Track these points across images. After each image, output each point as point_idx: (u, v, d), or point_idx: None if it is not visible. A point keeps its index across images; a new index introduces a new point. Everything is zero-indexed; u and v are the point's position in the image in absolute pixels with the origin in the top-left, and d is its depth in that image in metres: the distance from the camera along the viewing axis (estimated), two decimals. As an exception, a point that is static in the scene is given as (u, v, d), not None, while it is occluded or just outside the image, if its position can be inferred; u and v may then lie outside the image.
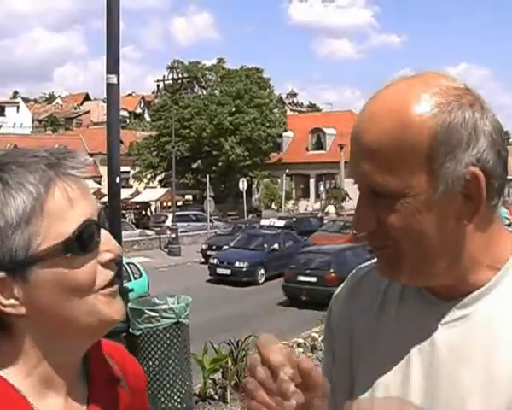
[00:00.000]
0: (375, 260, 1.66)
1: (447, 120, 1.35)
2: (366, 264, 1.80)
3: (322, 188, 62.40)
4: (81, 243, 1.30)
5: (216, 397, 10.23)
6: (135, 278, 22.00)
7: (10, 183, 1.27)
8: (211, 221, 45.94)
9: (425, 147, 1.35)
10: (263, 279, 29.77)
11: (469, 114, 1.37)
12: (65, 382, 1.39)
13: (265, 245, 31.95)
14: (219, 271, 29.57)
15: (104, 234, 1.36)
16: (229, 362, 10.09)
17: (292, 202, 68.73)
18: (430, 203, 1.37)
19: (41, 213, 1.27)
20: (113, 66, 6.43)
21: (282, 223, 40.95)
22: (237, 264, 29.36)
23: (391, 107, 1.37)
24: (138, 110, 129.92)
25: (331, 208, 56.72)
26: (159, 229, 46.55)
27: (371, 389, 1.56)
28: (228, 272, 29.34)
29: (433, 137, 1.34)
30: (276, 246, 31.93)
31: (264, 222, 42.52)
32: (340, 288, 1.80)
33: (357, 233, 1.44)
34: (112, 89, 6.46)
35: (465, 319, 1.46)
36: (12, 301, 1.28)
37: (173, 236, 40.92)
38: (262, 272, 29.85)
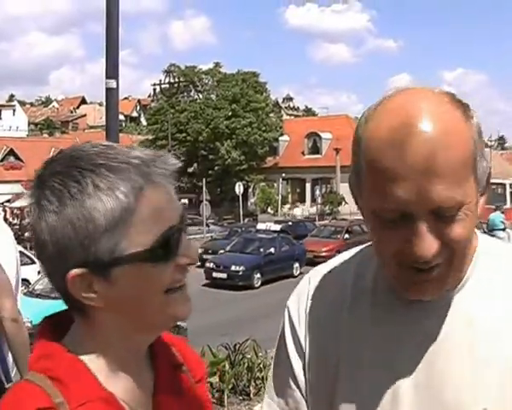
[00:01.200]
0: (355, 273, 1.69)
1: (474, 124, 1.40)
2: (317, 268, 1.82)
3: (318, 192, 62.34)
4: (163, 251, 1.33)
5: (213, 401, 10.20)
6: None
7: (101, 187, 1.28)
8: (207, 225, 45.84)
9: (472, 153, 1.38)
10: (259, 283, 29.55)
11: (475, 114, 1.43)
12: (133, 366, 1.44)
13: (261, 249, 31.78)
14: (215, 275, 29.32)
15: (185, 238, 1.39)
16: (227, 366, 10.06)
17: (288, 206, 68.66)
18: (476, 204, 1.42)
19: (128, 220, 1.30)
20: (112, 70, 6.43)
21: (277, 227, 40.89)
22: (233, 268, 29.00)
23: (434, 124, 1.34)
24: (134, 114, 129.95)
25: (297, 210, 56.45)
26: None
27: (355, 393, 1.56)
28: (224, 276, 28.95)
29: (474, 143, 1.38)
30: (272, 250, 31.72)
31: (260, 226, 42.44)
32: (296, 292, 1.79)
33: (426, 263, 1.39)
34: (111, 93, 6.45)
35: (450, 312, 1.50)
36: (91, 294, 1.33)
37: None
38: (258, 276, 29.66)
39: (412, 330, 1.51)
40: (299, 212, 66.24)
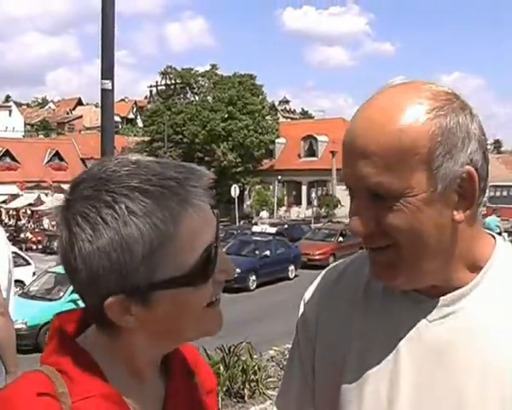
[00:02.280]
0: (347, 262, 1.76)
1: (443, 122, 1.40)
2: (336, 264, 1.84)
3: (313, 195, 62.35)
4: (200, 274, 1.32)
5: (207, 403, 10.20)
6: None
7: (137, 213, 1.25)
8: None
9: (425, 148, 1.39)
10: (254, 286, 29.63)
11: (462, 117, 1.43)
12: (147, 373, 1.45)
13: (257, 252, 31.90)
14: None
15: (221, 254, 1.37)
16: (222, 368, 10.06)
17: (284, 208, 68.69)
18: (430, 202, 1.41)
19: (166, 247, 1.27)
20: (107, 71, 6.41)
21: (273, 230, 40.89)
22: None
23: (388, 111, 1.41)
24: (131, 115, 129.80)
25: (264, 213, 56.35)
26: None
27: (359, 387, 1.56)
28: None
29: (431, 139, 1.39)
30: (267, 253, 31.84)
31: (255, 229, 42.45)
32: (311, 290, 1.80)
33: (366, 241, 1.48)
34: (106, 95, 6.43)
35: (452, 316, 1.50)
36: (128, 317, 1.31)
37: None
38: (253, 278, 29.73)
39: (414, 330, 1.52)
40: (295, 214, 66.28)
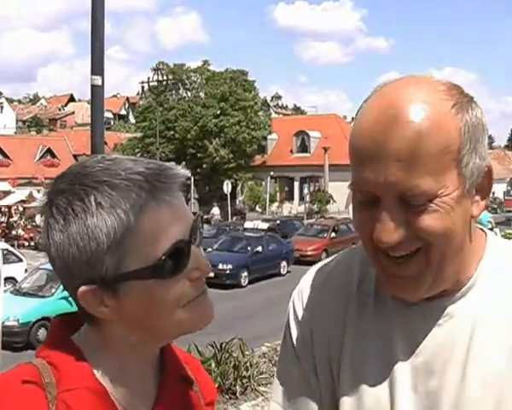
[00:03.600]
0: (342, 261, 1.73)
1: (466, 117, 1.39)
2: (327, 260, 1.81)
3: (306, 191, 62.38)
4: (169, 266, 1.34)
5: (199, 399, 10.19)
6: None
7: (103, 205, 1.30)
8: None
9: (455, 145, 1.36)
10: (246, 282, 29.65)
11: (477, 111, 1.43)
12: (137, 372, 1.47)
13: (249, 248, 31.87)
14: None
15: (194, 251, 1.38)
16: (213, 364, 10.07)
17: (276, 204, 68.74)
18: (460, 199, 1.38)
19: (130, 238, 1.31)
20: (97, 67, 6.41)
21: (265, 225, 40.89)
22: (220, 266, 28.86)
23: (413, 108, 1.35)
24: (123, 112, 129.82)
25: (215, 209, 56.28)
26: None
27: (357, 391, 1.55)
28: (211, 274, 28.46)
29: (460, 136, 1.37)
30: (259, 249, 31.81)
31: (247, 225, 42.44)
32: (301, 286, 1.77)
33: (393, 250, 1.40)
34: (96, 90, 6.43)
35: (448, 317, 1.49)
36: (103, 308, 1.36)
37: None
38: (245, 274, 29.76)
39: (410, 333, 1.51)
40: (288, 210, 66.34)
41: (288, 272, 32.05)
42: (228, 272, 29.16)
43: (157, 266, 1.32)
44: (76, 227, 1.31)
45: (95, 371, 1.40)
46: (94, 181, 1.32)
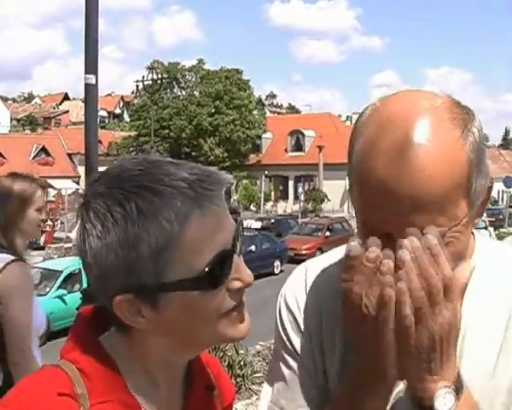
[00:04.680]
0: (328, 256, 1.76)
1: (472, 140, 1.37)
2: (315, 259, 1.84)
3: (300, 189, 62.37)
4: (212, 278, 1.29)
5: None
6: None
7: (145, 212, 1.25)
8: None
9: (466, 177, 1.36)
10: (239, 281, 29.38)
11: (478, 125, 1.41)
12: (166, 382, 1.44)
13: (242, 247, 31.50)
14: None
15: (236, 261, 1.35)
16: (207, 363, 10.07)
17: (270, 203, 68.73)
18: (469, 222, 1.40)
19: (173, 248, 1.26)
20: (91, 66, 6.40)
21: (258, 224, 40.81)
22: None
23: (426, 150, 1.32)
24: (117, 110, 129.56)
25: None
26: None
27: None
28: None
29: (469, 165, 1.36)
30: (252, 248, 31.43)
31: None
32: (290, 282, 1.78)
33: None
34: (90, 89, 6.42)
35: None
36: (139, 319, 1.32)
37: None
38: (238, 273, 29.47)
39: None
40: (282, 209, 66.34)
41: (281, 271, 31.92)
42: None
43: (200, 277, 1.28)
44: (115, 235, 1.26)
45: (125, 379, 1.36)
46: (134, 186, 1.27)
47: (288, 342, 1.71)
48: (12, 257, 3.90)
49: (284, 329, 1.73)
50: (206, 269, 1.28)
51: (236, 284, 1.35)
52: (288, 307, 1.74)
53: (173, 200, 1.26)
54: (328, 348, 1.63)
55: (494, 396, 1.44)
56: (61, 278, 19.68)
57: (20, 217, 4.07)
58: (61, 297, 18.99)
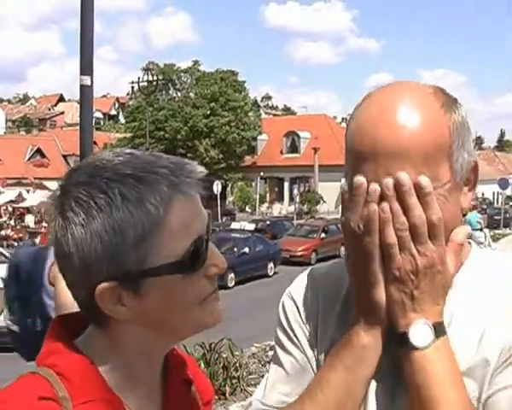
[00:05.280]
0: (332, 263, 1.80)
1: (454, 116, 1.50)
2: (321, 265, 1.88)
3: (296, 191, 62.42)
4: (192, 262, 1.32)
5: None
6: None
7: (130, 198, 1.27)
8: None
9: (447, 142, 1.47)
10: (233, 283, 29.26)
11: (463, 111, 1.54)
12: (146, 376, 1.44)
13: (235, 249, 31.63)
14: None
15: (211, 248, 1.38)
16: (202, 365, 10.07)
17: (266, 204, 68.80)
18: (452, 191, 1.49)
19: (158, 232, 1.28)
20: (86, 67, 6.38)
21: (252, 226, 40.81)
22: None
23: (410, 113, 1.46)
24: (113, 112, 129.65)
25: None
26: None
27: None
28: None
29: (450, 133, 1.48)
30: (246, 250, 31.60)
31: (234, 226, 42.33)
32: (294, 286, 1.81)
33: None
34: (85, 90, 6.40)
35: None
36: (119, 307, 1.32)
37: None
38: (232, 275, 29.36)
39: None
40: (278, 211, 66.40)
41: (275, 273, 32.03)
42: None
43: (181, 261, 1.30)
44: (100, 221, 1.26)
45: (105, 378, 1.36)
46: (116, 174, 1.29)
47: (291, 332, 1.73)
48: None
49: (287, 320, 1.75)
50: (187, 253, 1.31)
51: (213, 270, 1.38)
52: (292, 300, 1.77)
53: (158, 185, 1.29)
54: (321, 337, 1.67)
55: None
56: None
57: None
58: None
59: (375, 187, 1.42)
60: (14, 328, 4.47)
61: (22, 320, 4.40)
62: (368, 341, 1.49)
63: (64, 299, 3.95)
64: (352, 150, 1.49)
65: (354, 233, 1.46)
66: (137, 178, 1.28)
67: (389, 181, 1.41)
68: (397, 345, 1.46)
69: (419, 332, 1.41)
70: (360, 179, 1.45)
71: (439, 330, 1.43)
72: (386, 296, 1.46)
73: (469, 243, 1.65)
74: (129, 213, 1.26)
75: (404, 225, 1.41)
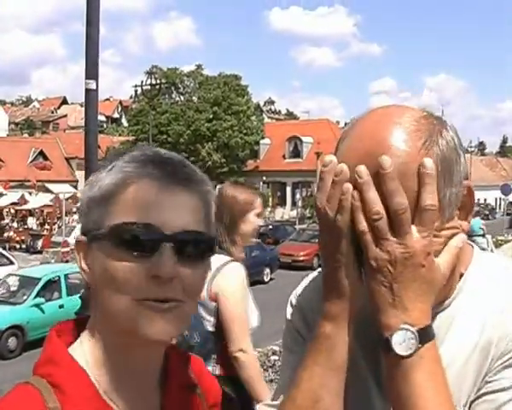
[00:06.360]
0: None
1: (437, 151, 1.43)
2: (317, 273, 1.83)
3: (298, 196, 62.35)
4: (125, 240, 1.34)
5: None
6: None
7: (114, 167, 1.40)
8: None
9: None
10: (227, 289, 28.80)
11: (447, 136, 1.46)
12: (134, 383, 1.45)
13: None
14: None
15: (166, 250, 1.34)
16: (204, 369, 10.04)
17: (268, 209, 68.66)
18: (441, 229, 1.44)
19: (112, 201, 1.37)
20: (91, 71, 6.39)
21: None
22: None
23: (387, 158, 1.38)
24: (116, 115, 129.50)
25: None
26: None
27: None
28: None
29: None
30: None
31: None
32: (301, 288, 1.81)
33: None
34: (90, 94, 6.42)
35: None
36: (84, 265, 1.42)
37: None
38: (226, 282, 28.91)
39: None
40: (280, 215, 66.30)
41: (271, 279, 31.62)
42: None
43: (112, 231, 1.35)
44: (90, 178, 1.44)
45: (97, 387, 1.38)
46: (122, 154, 1.45)
47: (297, 334, 1.74)
48: (228, 258, 4.40)
49: (293, 321, 1.76)
50: (120, 228, 1.35)
51: (153, 272, 1.33)
52: (298, 302, 1.78)
53: (136, 162, 1.40)
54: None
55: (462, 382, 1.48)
56: (38, 286, 19.10)
57: (242, 220, 4.51)
58: (38, 306, 18.40)
59: (342, 166, 1.41)
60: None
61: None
62: (332, 331, 1.45)
63: (232, 312, 4.21)
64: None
65: (325, 211, 1.43)
66: (127, 157, 1.43)
67: (361, 167, 1.38)
68: (379, 348, 1.42)
69: (402, 339, 1.36)
70: (330, 157, 1.45)
71: (424, 335, 1.36)
72: (366, 289, 1.42)
73: (472, 246, 1.64)
74: (108, 174, 1.40)
75: (377, 214, 1.36)
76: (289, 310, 1.79)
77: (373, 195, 1.37)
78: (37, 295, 18.83)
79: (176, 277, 1.34)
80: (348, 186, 1.39)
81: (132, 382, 1.44)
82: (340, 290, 1.44)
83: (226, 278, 4.30)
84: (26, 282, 19.73)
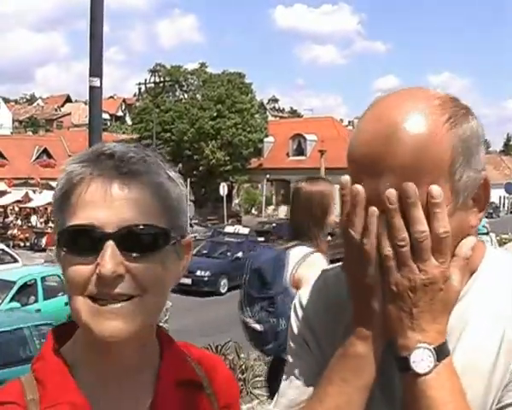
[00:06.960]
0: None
1: (460, 132, 1.42)
2: (331, 267, 1.86)
3: (302, 194, 62.25)
4: (69, 243, 1.35)
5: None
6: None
7: (66, 169, 1.39)
8: (190, 225, 45.71)
9: (448, 160, 1.39)
10: (226, 289, 28.63)
11: (474, 123, 1.46)
12: (116, 382, 1.44)
13: (229, 253, 31.17)
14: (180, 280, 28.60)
15: (107, 248, 1.32)
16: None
17: (272, 207, 68.70)
18: (453, 213, 1.42)
19: (65, 204, 1.37)
20: (95, 69, 6.39)
21: (246, 230, 40.41)
22: (199, 273, 27.98)
23: (409, 127, 1.39)
24: (119, 113, 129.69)
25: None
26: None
27: None
28: (189, 281, 26.62)
29: (452, 151, 1.40)
30: (239, 254, 30.57)
31: (228, 229, 41.96)
32: (307, 291, 1.79)
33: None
34: (94, 92, 6.41)
35: None
36: (61, 270, 1.41)
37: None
38: (225, 281, 28.80)
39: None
40: (284, 213, 66.33)
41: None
42: (206, 278, 28.46)
43: (62, 232, 1.36)
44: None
45: (79, 384, 1.39)
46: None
47: (300, 339, 1.72)
48: (311, 249, 4.64)
49: (297, 326, 1.75)
50: (67, 228, 1.35)
51: (97, 269, 1.31)
52: (301, 306, 1.76)
53: (86, 163, 1.38)
54: (327, 345, 1.63)
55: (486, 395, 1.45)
56: (13, 290, 18.58)
57: (331, 211, 4.74)
58: (12, 310, 17.37)
59: (357, 188, 1.41)
60: (257, 326, 5.03)
61: (266, 320, 4.94)
62: (363, 351, 1.46)
63: None
64: (352, 160, 1.46)
65: (353, 235, 1.44)
66: (82, 155, 1.42)
67: (392, 192, 1.37)
68: (397, 367, 1.43)
69: (420, 358, 1.38)
70: (346, 178, 1.45)
71: (440, 353, 1.38)
72: (384, 310, 1.43)
73: (483, 242, 1.62)
74: (58, 181, 1.40)
75: (403, 241, 1.37)
76: (294, 317, 1.78)
77: (399, 222, 1.37)
78: (12, 299, 18.36)
79: (122, 274, 1.32)
80: (374, 210, 1.39)
81: (116, 380, 1.44)
82: (370, 313, 1.45)
83: (309, 266, 4.53)
84: (1, 285, 18.99)
